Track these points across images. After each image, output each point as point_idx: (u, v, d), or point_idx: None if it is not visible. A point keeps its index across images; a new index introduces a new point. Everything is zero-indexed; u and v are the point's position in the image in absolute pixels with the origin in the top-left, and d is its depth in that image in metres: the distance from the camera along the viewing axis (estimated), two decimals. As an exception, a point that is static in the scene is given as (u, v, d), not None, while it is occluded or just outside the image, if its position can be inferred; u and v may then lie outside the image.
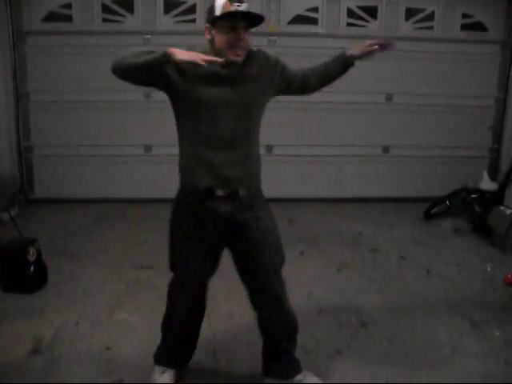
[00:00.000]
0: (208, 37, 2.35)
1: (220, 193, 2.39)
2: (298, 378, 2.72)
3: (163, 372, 2.76)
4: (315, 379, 2.75)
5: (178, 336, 2.75)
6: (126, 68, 2.20)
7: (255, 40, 2.29)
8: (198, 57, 2.12)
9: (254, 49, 2.44)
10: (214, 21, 2.29)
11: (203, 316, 2.77)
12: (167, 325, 2.75)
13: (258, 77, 2.41)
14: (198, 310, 2.72)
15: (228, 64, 2.29)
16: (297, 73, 2.59)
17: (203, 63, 2.11)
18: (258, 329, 2.72)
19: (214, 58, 2.18)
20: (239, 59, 2.32)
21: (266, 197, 2.59)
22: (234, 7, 2.24)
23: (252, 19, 2.30)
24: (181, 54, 2.12)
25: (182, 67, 2.18)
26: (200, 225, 2.45)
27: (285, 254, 2.63)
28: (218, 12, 2.26)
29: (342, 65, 2.61)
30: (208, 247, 2.51)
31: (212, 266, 2.60)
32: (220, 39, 2.30)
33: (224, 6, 2.25)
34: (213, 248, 2.54)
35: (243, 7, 2.26)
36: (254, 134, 2.48)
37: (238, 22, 2.27)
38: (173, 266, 2.61)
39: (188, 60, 2.11)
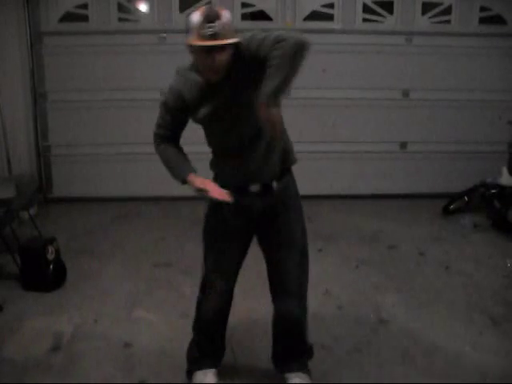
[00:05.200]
0: (191, 55, 2.26)
1: (253, 188, 2.46)
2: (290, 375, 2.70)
3: (205, 374, 2.73)
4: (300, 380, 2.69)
5: (209, 336, 2.73)
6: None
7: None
8: (210, 186, 2.31)
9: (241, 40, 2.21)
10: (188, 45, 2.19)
11: (228, 315, 2.74)
12: (197, 325, 2.73)
13: (243, 75, 2.26)
14: (225, 309, 2.69)
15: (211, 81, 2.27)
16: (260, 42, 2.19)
17: (215, 196, 2.27)
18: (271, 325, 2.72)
19: (224, 196, 2.27)
20: (217, 78, 2.24)
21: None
22: (206, 31, 2.10)
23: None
24: (197, 182, 2.33)
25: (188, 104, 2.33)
26: (232, 222, 2.48)
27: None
28: (191, 34, 2.14)
29: None
30: (237, 244, 2.56)
31: (240, 262, 2.64)
32: (198, 62, 2.24)
33: (198, 29, 2.12)
34: (242, 245, 2.58)
35: (217, 27, 2.10)
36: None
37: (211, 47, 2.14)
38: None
39: (201, 188, 2.30)
